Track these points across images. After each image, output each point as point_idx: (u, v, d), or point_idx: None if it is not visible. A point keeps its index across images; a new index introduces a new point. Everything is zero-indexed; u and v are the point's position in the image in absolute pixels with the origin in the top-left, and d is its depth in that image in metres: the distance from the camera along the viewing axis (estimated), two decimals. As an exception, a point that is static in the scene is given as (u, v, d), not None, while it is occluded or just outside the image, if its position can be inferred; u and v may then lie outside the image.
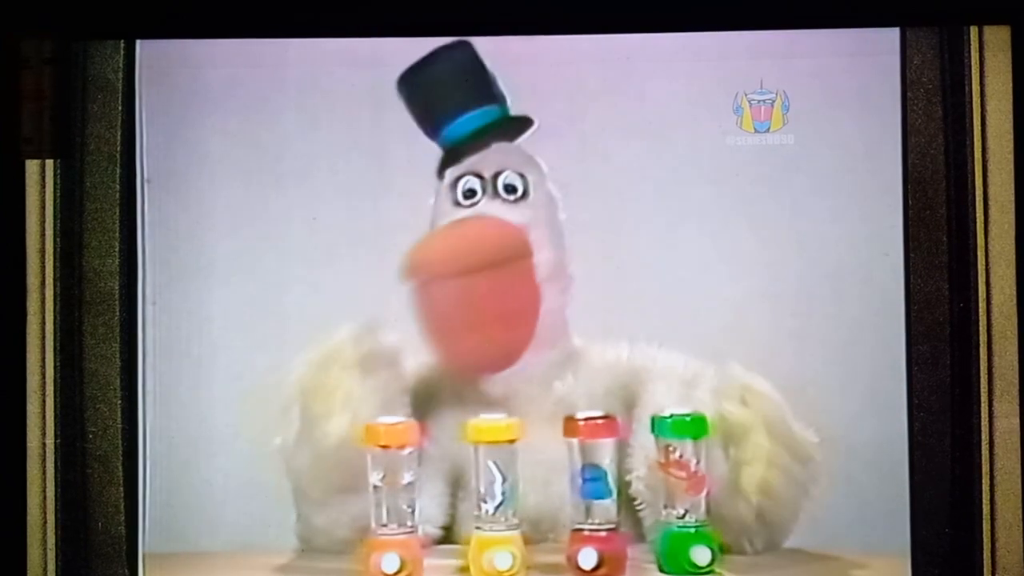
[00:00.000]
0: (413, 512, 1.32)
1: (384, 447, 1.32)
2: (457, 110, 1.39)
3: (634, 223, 1.39)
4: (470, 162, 1.40)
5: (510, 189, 1.40)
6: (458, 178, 1.40)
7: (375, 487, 1.31)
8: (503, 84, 1.39)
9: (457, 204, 1.39)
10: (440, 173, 1.40)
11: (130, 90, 1.38)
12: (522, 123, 1.39)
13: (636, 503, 1.35)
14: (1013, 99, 1.35)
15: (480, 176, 1.40)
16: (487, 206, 1.39)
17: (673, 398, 1.35)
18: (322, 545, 1.37)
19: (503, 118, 1.39)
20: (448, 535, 1.39)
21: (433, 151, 1.40)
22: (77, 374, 1.35)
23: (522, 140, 1.40)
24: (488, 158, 1.40)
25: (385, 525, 1.31)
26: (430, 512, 1.37)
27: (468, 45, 1.39)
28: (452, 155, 1.40)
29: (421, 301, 1.37)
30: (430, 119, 1.39)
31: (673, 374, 1.37)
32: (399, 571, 1.29)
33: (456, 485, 1.39)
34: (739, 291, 1.39)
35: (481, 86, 1.39)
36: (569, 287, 1.39)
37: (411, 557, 1.30)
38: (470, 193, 1.39)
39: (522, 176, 1.40)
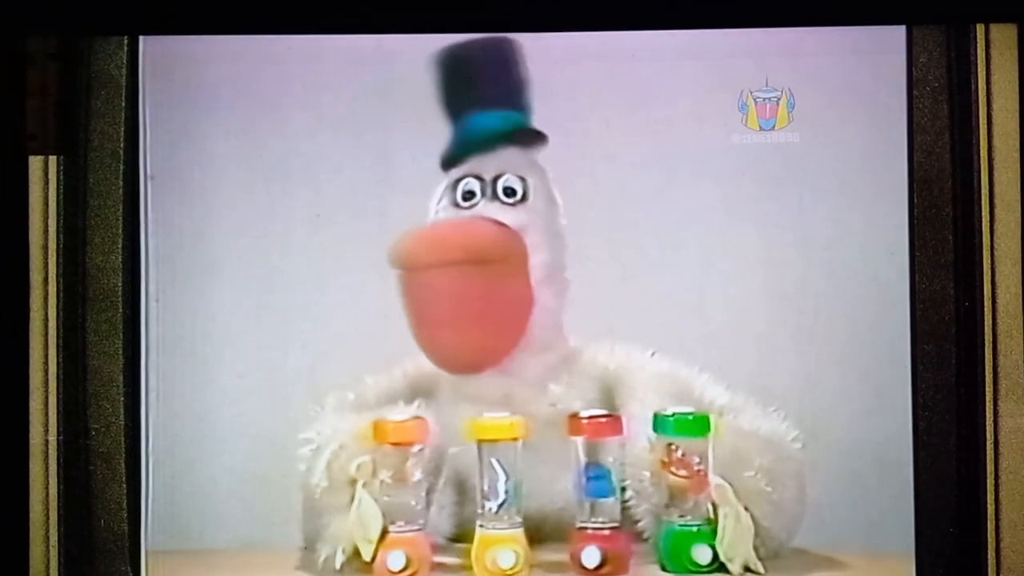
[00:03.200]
0: (421, 509, 1.32)
1: (393, 444, 1.31)
2: (483, 105, 1.38)
3: (638, 221, 1.39)
4: (471, 164, 1.40)
5: (509, 192, 1.39)
6: (458, 180, 1.40)
7: (383, 484, 1.31)
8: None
9: (456, 206, 1.39)
10: (444, 165, 1.40)
11: (134, 86, 1.37)
12: (537, 136, 1.39)
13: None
14: (1020, 97, 1.35)
15: (480, 178, 1.40)
16: (485, 208, 1.39)
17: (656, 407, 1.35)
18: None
19: (521, 127, 1.39)
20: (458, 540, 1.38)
21: (438, 150, 1.39)
22: (80, 371, 1.35)
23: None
24: (489, 160, 1.40)
25: (392, 522, 1.31)
26: (438, 523, 1.36)
27: (514, 43, 1.38)
28: (460, 149, 1.39)
29: (406, 291, 1.37)
30: (455, 105, 1.39)
31: (660, 384, 1.37)
32: (405, 568, 1.29)
33: (462, 492, 1.38)
34: (744, 289, 1.39)
35: (513, 87, 1.38)
36: (565, 291, 1.39)
37: (417, 555, 1.30)
38: (469, 195, 1.39)
39: (522, 179, 1.40)
